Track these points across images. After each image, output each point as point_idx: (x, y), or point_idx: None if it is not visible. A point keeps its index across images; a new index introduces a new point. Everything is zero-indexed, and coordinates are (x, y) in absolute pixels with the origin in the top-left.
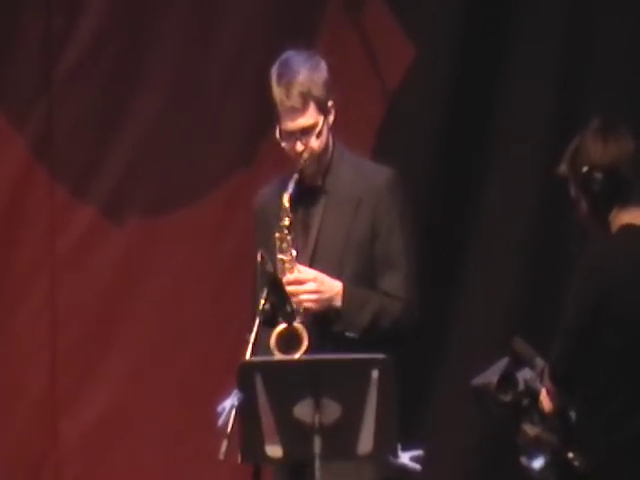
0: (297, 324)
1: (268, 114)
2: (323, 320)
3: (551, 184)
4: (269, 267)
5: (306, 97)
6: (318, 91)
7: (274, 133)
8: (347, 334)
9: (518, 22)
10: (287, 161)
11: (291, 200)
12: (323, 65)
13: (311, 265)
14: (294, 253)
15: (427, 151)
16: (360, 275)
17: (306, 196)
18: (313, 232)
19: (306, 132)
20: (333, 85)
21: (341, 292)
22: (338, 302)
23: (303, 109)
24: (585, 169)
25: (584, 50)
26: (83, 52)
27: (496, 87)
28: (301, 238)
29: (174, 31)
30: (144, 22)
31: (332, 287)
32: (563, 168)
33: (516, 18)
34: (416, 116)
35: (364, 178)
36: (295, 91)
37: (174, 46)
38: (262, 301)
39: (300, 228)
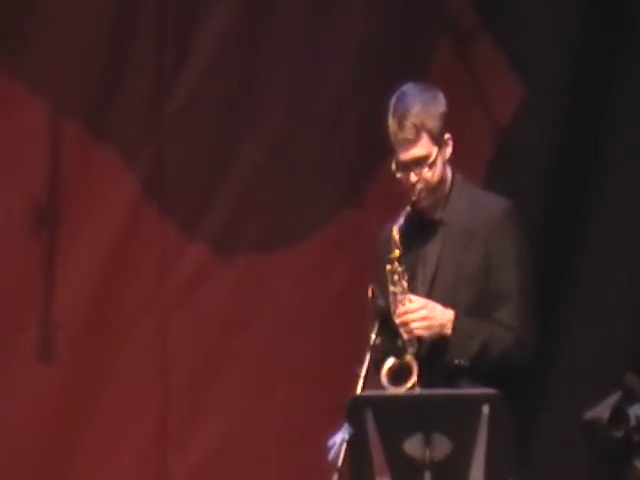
0: (407, 358)
1: (376, 153)
2: (434, 350)
3: None
4: (380, 302)
5: (419, 129)
6: (432, 123)
7: (382, 172)
8: (456, 362)
9: (629, 64)
10: (396, 200)
11: (401, 232)
12: (440, 97)
13: (429, 294)
14: (405, 285)
15: (536, 190)
16: (474, 308)
17: (425, 228)
18: (431, 264)
19: (420, 163)
20: (449, 118)
21: (452, 320)
22: (449, 330)
23: (416, 140)
24: None
25: None
26: (194, 89)
27: (604, 127)
28: (420, 270)
29: (283, 70)
30: (254, 61)
31: (443, 315)
32: None
33: (627, 60)
34: (525, 154)
35: (478, 210)
36: (408, 123)
37: (283, 85)
38: (373, 336)
39: (419, 260)
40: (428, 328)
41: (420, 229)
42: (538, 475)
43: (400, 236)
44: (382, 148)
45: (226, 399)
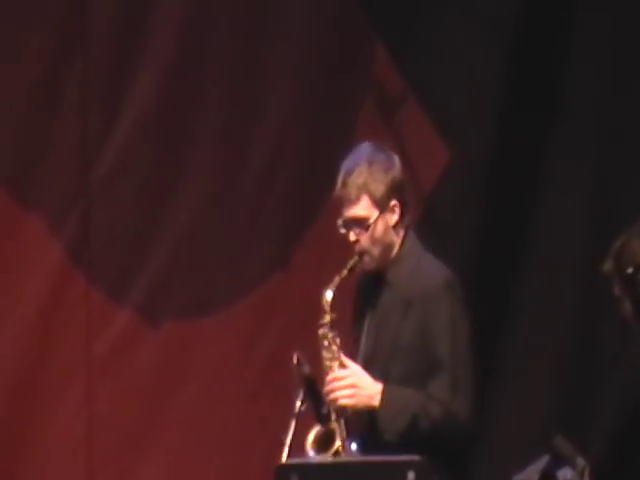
0: (333, 425)
1: (305, 216)
2: (363, 420)
3: (592, 283)
4: (305, 369)
5: (360, 190)
6: (375, 186)
7: (310, 235)
8: (386, 437)
9: (556, 126)
10: (327, 263)
11: (332, 299)
12: (394, 163)
13: (370, 360)
14: (335, 350)
15: (462, 254)
16: (406, 378)
17: (377, 286)
18: (373, 327)
19: (358, 223)
20: (402, 186)
21: (380, 392)
22: (376, 402)
23: (355, 201)
24: (630, 270)
25: (621, 150)
26: (119, 155)
27: (530, 191)
28: (365, 331)
29: (210, 135)
30: (179, 127)
31: (372, 386)
32: (607, 266)
33: (554, 123)
34: (451, 218)
35: (418, 279)
36: (351, 182)
37: (210, 150)
38: (298, 403)
39: (365, 320)
40: (353, 396)
41: (372, 288)
42: None
43: (358, 296)
44: (312, 211)
45: (153, 468)
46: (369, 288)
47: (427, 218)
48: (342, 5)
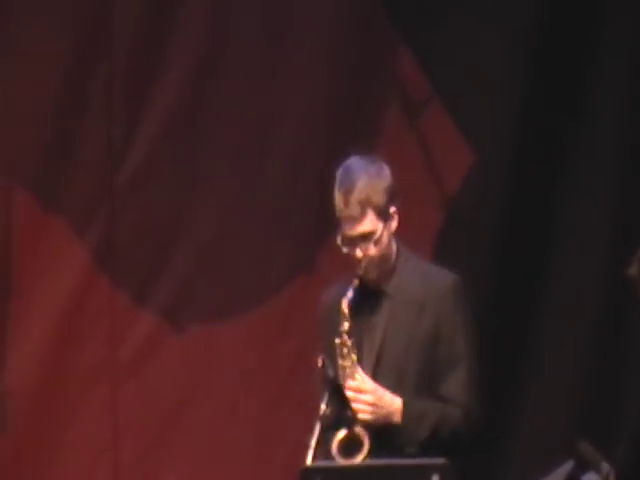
0: (358, 429)
1: (327, 220)
2: (383, 432)
3: (616, 287)
4: (330, 372)
5: (364, 205)
6: (377, 198)
7: (333, 238)
8: (406, 451)
9: (581, 128)
10: (347, 266)
11: (350, 306)
12: (386, 171)
13: (376, 367)
14: (354, 358)
15: (486, 258)
16: (422, 378)
17: (371, 299)
18: (378, 335)
19: (365, 238)
20: (396, 191)
21: (400, 408)
22: (397, 418)
23: (361, 217)
24: None
25: None
26: (144, 159)
27: (555, 192)
28: (366, 341)
29: (234, 138)
30: (204, 129)
31: (392, 403)
32: (633, 270)
33: (579, 125)
34: (475, 222)
35: (428, 282)
36: (353, 200)
37: (234, 154)
38: (323, 406)
39: (363, 333)
40: (373, 414)
41: (365, 300)
42: None
43: (350, 310)
44: (332, 214)
45: (176, 469)
46: (358, 302)
47: (451, 220)
48: (366, 7)
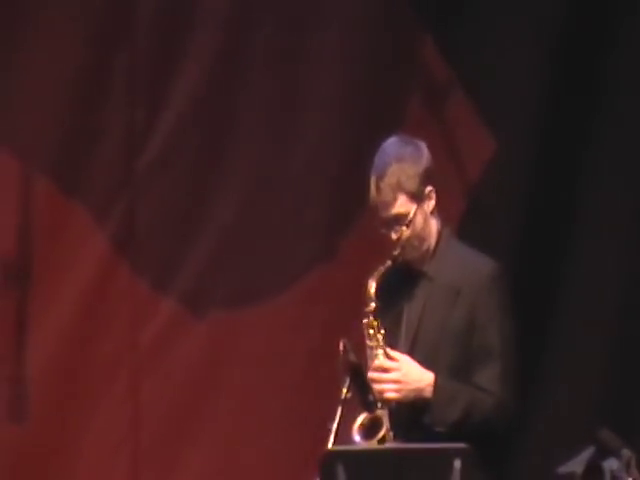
0: (378, 411)
1: (349, 207)
2: (412, 410)
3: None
4: (351, 356)
5: (395, 190)
6: (408, 182)
7: (355, 226)
8: (436, 429)
9: (602, 117)
10: (370, 254)
11: (383, 285)
12: (422, 152)
13: (412, 349)
14: (380, 339)
15: (507, 246)
16: (455, 365)
17: (410, 280)
18: (414, 320)
19: (398, 220)
20: (431, 171)
21: (432, 384)
22: (429, 394)
23: (393, 202)
24: None
25: None
26: (165, 145)
27: (577, 179)
28: (403, 325)
29: (255, 125)
30: (224, 116)
31: (421, 378)
32: None
33: (599, 113)
34: (496, 210)
35: (467, 268)
36: (384, 185)
37: (255, 141)
38: (344, 390)
39: (402, 315)
40: (399, 391)
41: (404, 281)
42: None
43: (382, 289)
44: (356, 201)
45: (198, 457)
46: (398, 282)
47: (473, 208)
48: None
